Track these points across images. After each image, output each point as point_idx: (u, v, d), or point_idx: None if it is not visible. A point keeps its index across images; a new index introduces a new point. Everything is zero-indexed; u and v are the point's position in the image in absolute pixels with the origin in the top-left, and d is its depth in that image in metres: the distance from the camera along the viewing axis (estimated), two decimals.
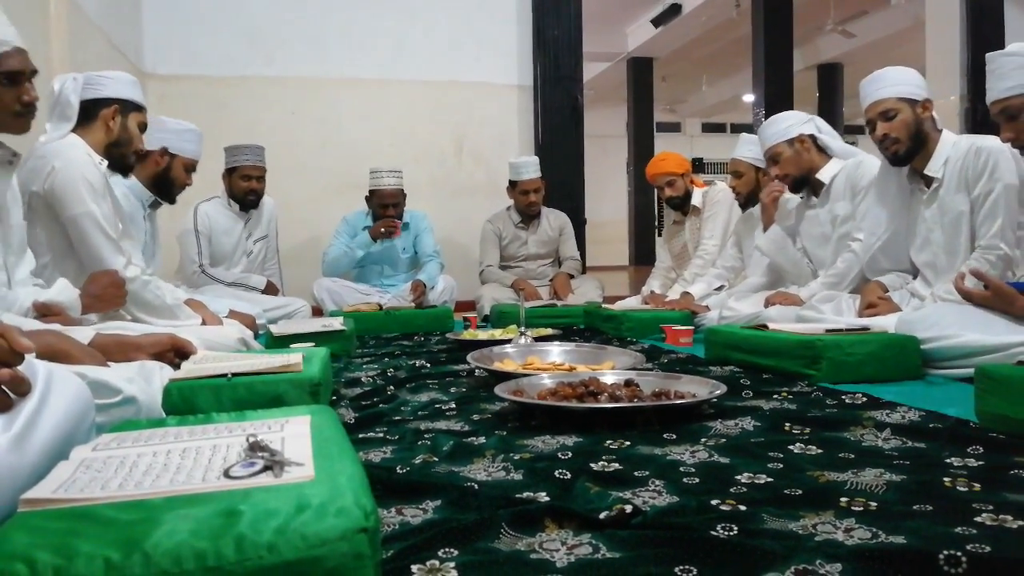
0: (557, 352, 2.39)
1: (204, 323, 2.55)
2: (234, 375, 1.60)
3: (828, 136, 3.02)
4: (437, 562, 0.88)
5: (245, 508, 0.69)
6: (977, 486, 1.11)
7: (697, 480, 1.19)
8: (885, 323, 2.32)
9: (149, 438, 0.98)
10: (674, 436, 1.48)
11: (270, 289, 4.02)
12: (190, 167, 3.13)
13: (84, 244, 2.29)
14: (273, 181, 4.07)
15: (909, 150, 2.48)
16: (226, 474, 0.80)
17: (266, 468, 0.81)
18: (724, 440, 1.44)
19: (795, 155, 2.99)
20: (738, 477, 1.20)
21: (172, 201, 3.19)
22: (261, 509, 0.69)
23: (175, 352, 1.72)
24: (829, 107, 12.94)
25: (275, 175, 4.10)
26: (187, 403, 1.52)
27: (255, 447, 0.86)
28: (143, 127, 2.53)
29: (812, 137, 3.00)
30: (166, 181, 3.07)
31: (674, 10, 10.95)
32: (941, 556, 0.83)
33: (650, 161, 4.20)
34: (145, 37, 4.74)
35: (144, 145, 2.57)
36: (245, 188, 3.88)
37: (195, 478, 0.79)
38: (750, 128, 10.27)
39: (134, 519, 0.68)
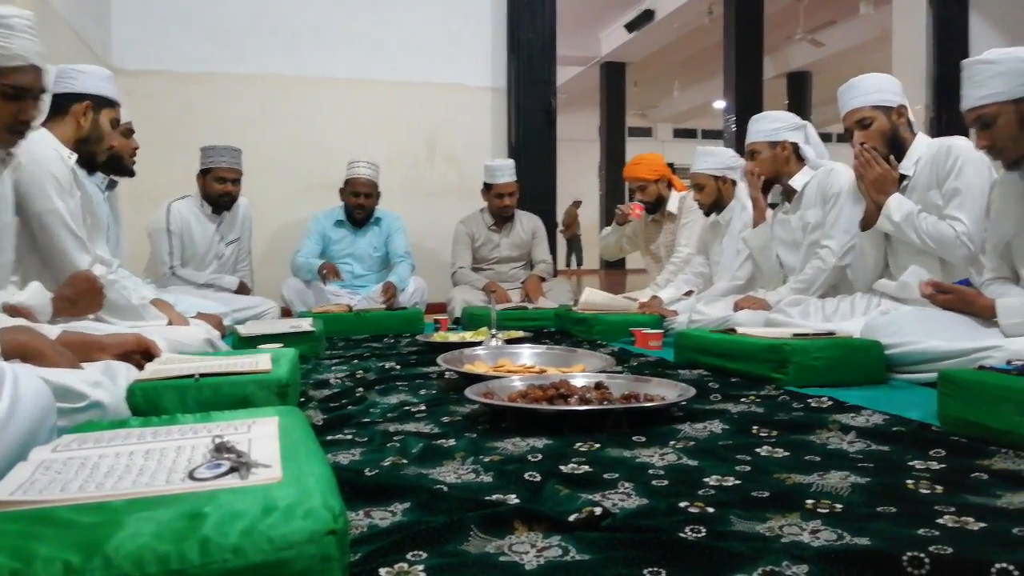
0: (528, 355, 2.39)
1: (170, 323, 2.51)
2: (201, 376, 1.57)
3: (811, 147, 3.06)
4: (406, 565, 0.88)
5: (210, 510, 0.68)
6: (939, 488, 1.13)
7: (666, 482, 1.20)
8: (850, 328, 2.36)
9: (111, 439, 0.96)
10: (643, 439, 1.49)
11: (242, 289, 3.98)
12: (115, 123, 2.53)
13: (49, 242, 2.24)
14: (243, 180, 4.02)
15: (885, 156, 2.54)
16: (191, 476, 0.78)
17: (232, 470, 0.79)
18: (693, 443, 1.45)
19: (772, 158, 3.03)
20: (706, 479, 1.20)
21: (131, 173, 2.98)
22: (226, 511, 0.68)
23: (141, 353, 1.69)
24: (798, 115, 13.10)
25: (246, 174, 4.06)
26: (151, 404, 1.50)
27: (221, 448, 0.85)
28: (115, 123, 2.48)
29: (795, 145, 3.03)
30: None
31: (647, 16, 11.04)
32: (905, 557, 0.84)
33: (628, 162, 4.23)
34: (113, 32, 4.66)
35: (116, 142, 2.51)
36: (219, 190, 3.83)
37: (158, 480, 0.78)
38: (720, 134, 10.39)
39: (95, 521, 0.67)
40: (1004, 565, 0.80)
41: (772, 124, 3.06)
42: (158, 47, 4.74)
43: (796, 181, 3.01)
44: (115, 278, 2.37)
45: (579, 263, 16.09)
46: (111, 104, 2.44)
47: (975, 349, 1.95)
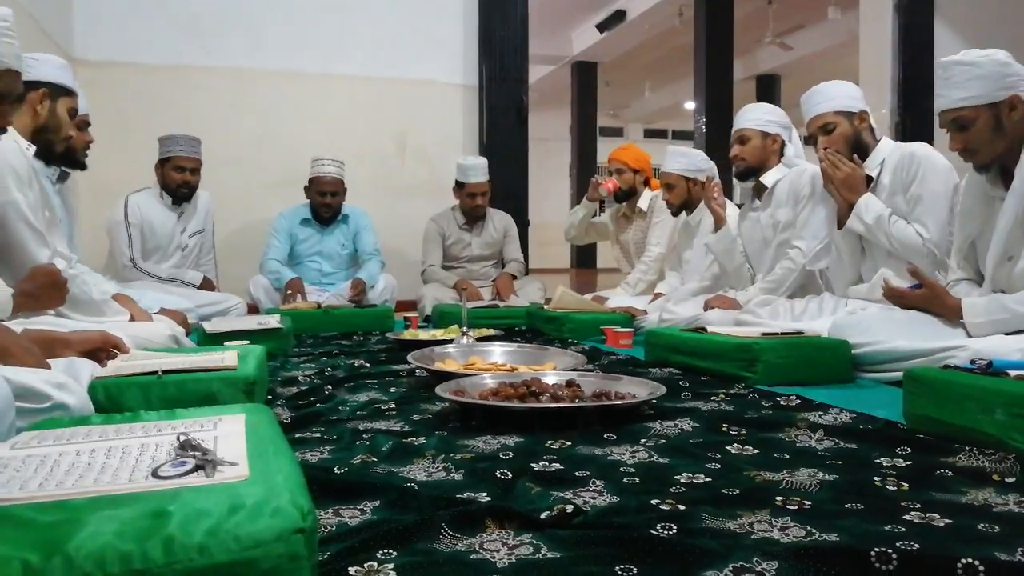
0: (499, 353, 2.38)
1: (132, 319, 2.46)
2: (165, 372, 1.54)
3: (793, 147, 3.09)
4: (375, 563, 0.86)
5: (174, 509, 0.66)
6: (905, 485, 1.14)
7: (637, 480, 1.20)
8: (819, 328, 2.39)
9: (72, 436, 0.93)
10: (614, 436, 1.49)
11: (206, 285, 3.91)
12: (72, 112, 2.49)
13: (6, 235, 2.18)
14: (209, 174, 3.96)
15: (849, 158, 2.58)
16: (154, 474, 0.77)
17: (197, 468, 0.78)
18: (663, 440, 1.46)
19: (761, 147, 3.02)
20: (677, 477, 1.21)
21: (82, 166, 2.83)
22: (191, 510, 0.66)
23: (106, 350, 1.65)
24: None
25: (211, 168, 3.99)
26: (113, 402, 1.47)
27: (186, 446, 0.83)
28: (73, 113, 2.42)
29: (783, 142, 3.06)
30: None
31: (619, 16, 11.09)
32: (872, 553, 0.85)
33: (618, 147, 4.25)
34: (75, 21, 4.56)
35: (73, 132, 2.45)
36: (178, 180, 3.77)
37: (121, 478, 0.76)
38: (691, 135, 10.48)
39: (55, 520, 0.65)
40: (969, 560, 0.81)
41: (768, 115, 3.07)
42: (121, 37, 4.64)
43: (768, 178, 3.03)
44: (75, 272, 2.31)
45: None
46: (68, 93, 2.38)
47: (940, 349, 1.99)
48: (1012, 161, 2.01)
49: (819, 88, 2.69)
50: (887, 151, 2.59)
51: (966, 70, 2.02)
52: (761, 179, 3.04)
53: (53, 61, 2.37)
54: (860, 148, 2.62)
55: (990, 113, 2.01)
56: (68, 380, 1.35)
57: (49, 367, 1.38)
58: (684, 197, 3.59)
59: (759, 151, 3.03)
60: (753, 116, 3.06)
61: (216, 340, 2.59)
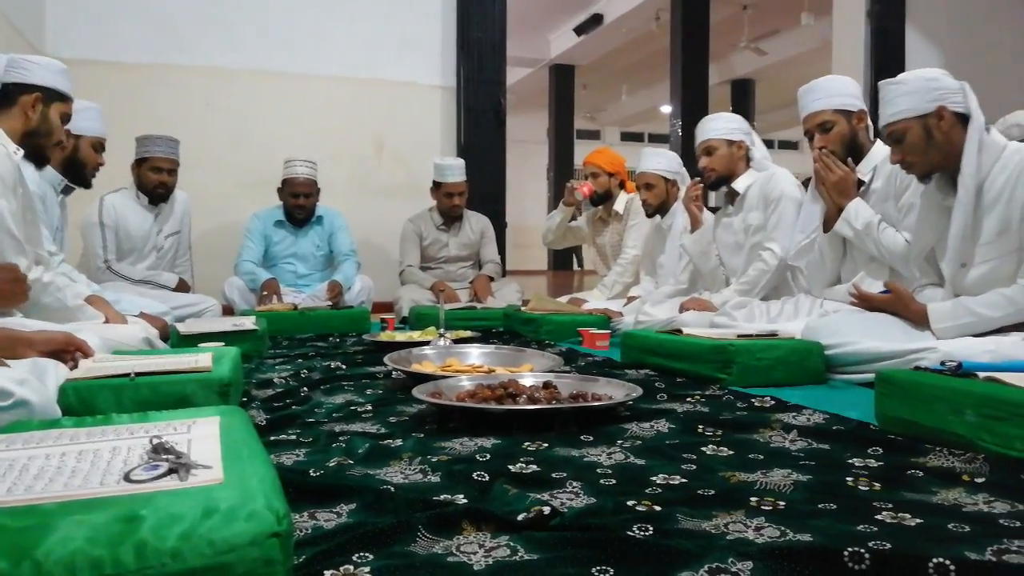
0: (476, 354, 2.38)
1: (107, 321, 2.43)
2: (137, 374, 1.52)
3: (758, 151, 3.13)
4: (351, 567, 0.86)
5: (147, 513, 0.65)
6: (878, 485, 1.16)
7: (614, 481, 1.20)
8: (793, 329, 2.41)
9: (42, 440, 0.92)
10: (591, 438, 1.49)
11: (181, 286, 3.87)
12: (98, 146, 3.06)
13: None
14: (183, 174, 3.92)
15: (843, 160, 2.57)
16: (126, 477, 0.75)
17: (171, 471, 0.77)
18: (640, 442, 1.46)
19: (728, 155, 3.07)
20: (653, 478, 1.21)
21: (87, 185, 3.09)
22: (165, 514, 0.65)
23: (69, 352, 1.63)
24: None
25: (186, 168, 3.95)
26: (84, 404, 1.44)
27: (159, 449, 0.82)
28: (66, 118, 2.39)
29: (748, 148, 3.10)
30: (76, 164, 2.98)
31: (596, 19, 11.14)
32: (846, 553, 0.86)
33: (593, 150, 4.27)
34: (48, 17, 4.49)
35: (65, 137, 2.44)
36: (155, 180, 3.73)
37: (92, 482, 0.75)
38: (667, 138, 10.55)
39: (24, 525, 0.64)
40: (941, 560, 0.83)
41: (729, 124, 3.12)
42: (94, 35, 4.58)
43: (739, 184, 3.07)
44: (50, 279, 2.26)
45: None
46: (63, 98, 2.36)
47: (910, 350, 2.02)
48: (956, 172, 2.07)
49: (817, 83, 2.65)
50: (881, 156, 2.56)
51: (896, 88, 2.14)
52: (733, 185, 3.08)
53: (50, 65, 2.35)
54: (856, 149, 2.59)
55: (920, 124, 2.10)
56: (30, 377, 1.33)
57: (7, 366, 1.35)
58: (663, 197, 3.61)
59: (727, 159, 3.08)
60: (716, 126, 3.12)
61: (190, 342, 2.56)
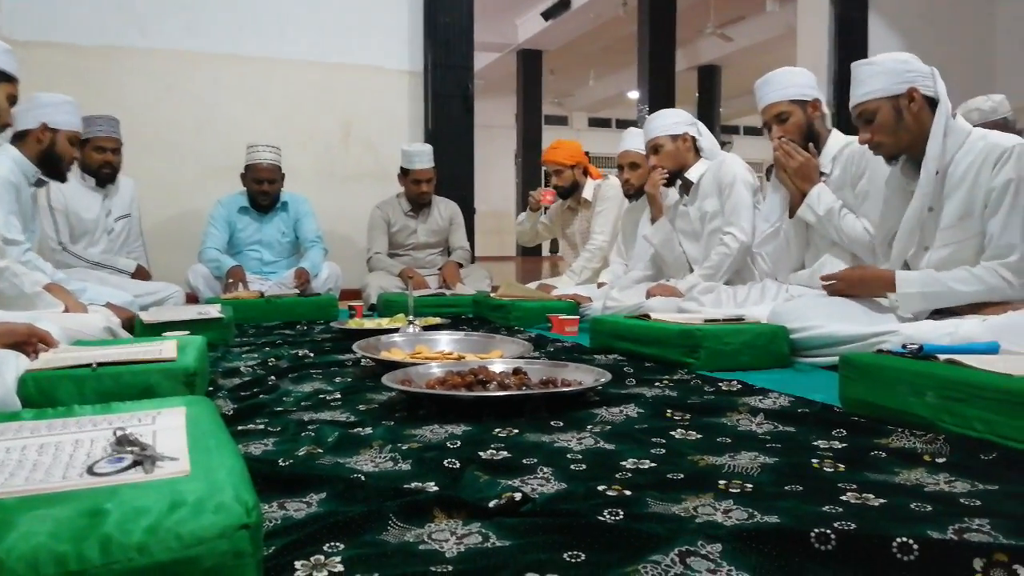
0: (446, 341, 2.37)
1: (67, 310, 2.38)
2: (99, 364, 1.49)
3: (705, 139, 3.18)
4: (322, 557, 0.85)
5: (112, 507, 0.64)
6: (842, 467, 1.18)
7: (584, 466, 1.21)
8: (759, 313, 2.44)
9: (1, 432, 0.90)
10: (561, 423, 1.50)
11: (140, 273, 3.80)
12: (74, 140, 3.01)
13: None
14: (146, 161, 3.85)
15: (804, 147, 2.62)
16: (90, 471, 0.74)
17: (135, 463, 0.75)
18: (609, 427, 1.47)
19: (675, 150, 3.14)
20: (623, 463, 1.22)
21: (63, 179, 3.05)
22: (130, 508, 0.64)
23: (31, 344, 1.59)
24: (708, 107, 13.51)
25: (149, 154, 3.88)
26: (45, 395, 1.41)
27: (123, 441, 0.80)
28: (12, 99, 2.33)
29: (694, 138, 3.15)
30: (53, 157, 2.92)
31: (563, 4, 11.12)
32: (812, 534, 0.87)
33: (547, 147, 4.26)
34: None
35: (12, 120, 2.37)
36: (99, 160, 3.67)
37: (54, 476, 0.73)
38: (635, 124, 10.59)
39: None
40: (904, 539, 0.84)
41: (671, 119, 3.20)
42: (52, 16, 4.45)
43: (692, 173, 3.15)
44: (4, 265, 2.21)
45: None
46: (8, 79, 2.29)
47: (873, 334, 2.05)
48: (922, 156, 2.10)
49: (773, 76, 2.70)
50: (837, 146, 2.62)
51: (869, 68, 2.19)
52: (687, 175, 3.14)
53: None
54: (813, 136, 2.64)
55: (890, 105, 2.14)
56: None
57: None
58: (645, 178, 3.58)
59: (675, 154, 3.15)
60: (658, 124, 3.18)
61: (154, 330, 2.51)
